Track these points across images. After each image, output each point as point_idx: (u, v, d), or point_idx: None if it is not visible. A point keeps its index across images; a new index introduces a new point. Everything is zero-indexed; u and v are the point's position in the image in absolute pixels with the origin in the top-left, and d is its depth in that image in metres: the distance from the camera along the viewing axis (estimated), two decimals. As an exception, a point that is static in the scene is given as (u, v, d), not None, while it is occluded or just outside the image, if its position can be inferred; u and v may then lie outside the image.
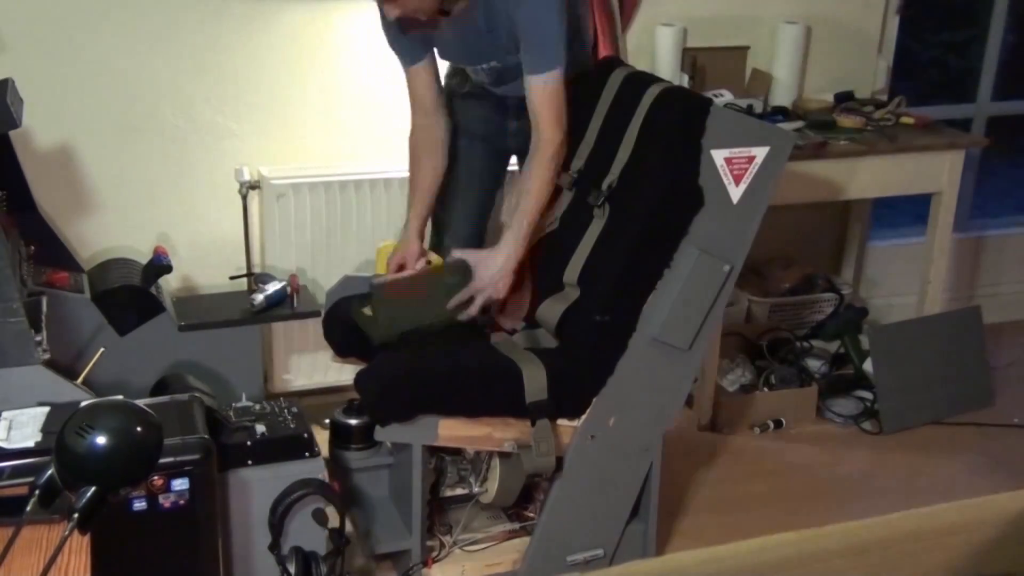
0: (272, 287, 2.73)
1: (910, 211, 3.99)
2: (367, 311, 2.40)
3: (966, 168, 3.41)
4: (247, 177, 2.93)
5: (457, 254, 2.43)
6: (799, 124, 3.18)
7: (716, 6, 3.31)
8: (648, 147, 2.25)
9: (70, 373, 2.17)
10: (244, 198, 2.95)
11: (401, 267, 2.50)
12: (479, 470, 2.39)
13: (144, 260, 2.64)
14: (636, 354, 2.25)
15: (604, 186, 2.27)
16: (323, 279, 2.94)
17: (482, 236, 2.71)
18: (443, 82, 2.58)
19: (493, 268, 2.35)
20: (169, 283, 2.88)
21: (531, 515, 2.46)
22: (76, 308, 2.48)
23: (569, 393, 2.24)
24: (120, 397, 1.32)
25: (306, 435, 2.12)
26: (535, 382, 2.19)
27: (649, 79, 2.37)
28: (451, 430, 2.19)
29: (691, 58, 3.20)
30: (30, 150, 2.74)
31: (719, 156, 2.20)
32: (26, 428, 1.73)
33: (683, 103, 2.24)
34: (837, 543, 1.29)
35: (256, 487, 2.07)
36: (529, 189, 2.34)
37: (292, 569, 2.06)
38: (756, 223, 2.28)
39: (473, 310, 2.36)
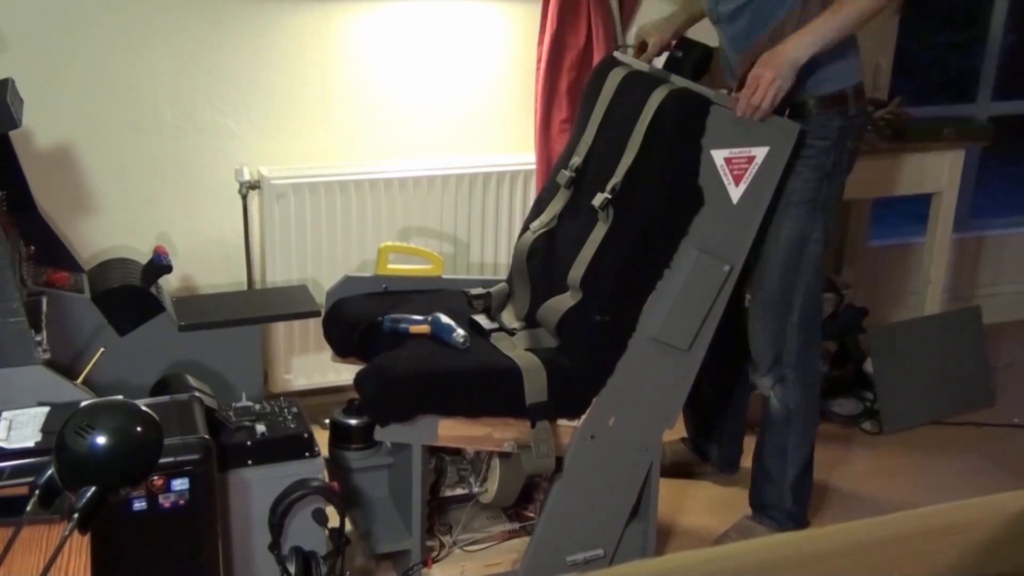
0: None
1: (910, 211, 4.00)
2: None
3: (966, 168, 3.41)
4: (247, 177, 2.94)
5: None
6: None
7: None
8: (651, 149, 2.25)
9: (70, 373, 2.17)
10: (244, 198, 2.95)
11: (643, 45, 2.56)
12: (479, 470, 2.39)
13: (144, 260, 2.64)
14: (636, 354, 2.25)
15: (608, 189, 2.27)
16: (323, 279, 2.94)
17: None
18: None
19: (780, 56, 2.22)
20: (169, 283, 2.88)
21: (531, 515, 2.46)
22: (76, 308, 2.47)
23: (569, 393, 2.24)
24: (120, 397, 1.32)
25: (306, 435, 2.12)
26: (535, 383, 2.19)
27: (650, 80, 2.37)
28: (451, 430, 2.19)
29: (691, 58, 3.19)
30: (30, 150, 2.74)
31: (719, 156, 2.20)
32: (26, 428, 1.73)
33: (683, 104, 2.24)
34: (837, 543, 1.29)
35: (256, 487, 2.06)
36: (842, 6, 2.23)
37: (292, 569, 2.06)
38: (756, 223, 2.28)
39: (762, 103, 2.20)
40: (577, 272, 2.27)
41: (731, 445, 2.95)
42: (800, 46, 2.23)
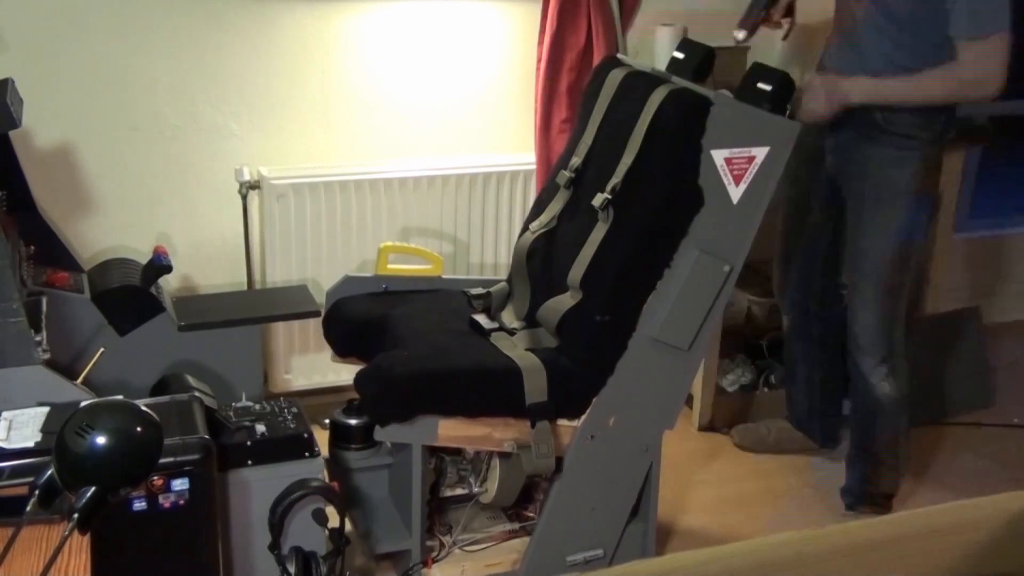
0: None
1: (910, 211, 3.99)
2: None
3: (966, 168, 3.41)
4: (247, 177, 2.94)
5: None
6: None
7: (716, 5, 3.31)
8: (651, 149, 2.25)
9: (70, 373, 2.17)
10: (244, 198, 2.95)
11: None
12: (479, 470, 2.39)
13: (144, 260, 2.64)
14: (636, 354, 2.25)
15: (608, 189, 2.27)
16: (323, 279, 2.94)
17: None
18: None
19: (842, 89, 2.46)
20: (169, 283, 2.88)
21: (531, 515, 2.46)
22: (76, 308, 2.47)
23: (569, 393, 2.24)
24: (120, 397, 1.32)
25: (306, 435, 2.12)
26: (535, 383, 2.19)
27: (651, 80, 2.37)
28: (451, 430, 2.19)
29: (691, 58, 3.19)
30: (30, 150, 2.74)
31: (719, 156, 2.20)
32: (26, 428, 1.73)
33: (683, 104, 2.24)
34: (837, 543, 1.29)
35: (256, 487, 2.06)
36: (916, 80, 2.43)
37: (292, 569, 2.06)
38: (756, 223, 2.28)
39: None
40: (577, 272, 2.27)
41: (833, 421, 3.08)
42: (842, 98, 2.46)
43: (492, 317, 2.49)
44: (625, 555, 2.41)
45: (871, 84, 2.45)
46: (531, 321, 2.41)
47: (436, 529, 2.40)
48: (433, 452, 2.32)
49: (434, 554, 2.35)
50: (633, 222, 2.24)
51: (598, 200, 2.26)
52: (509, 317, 2.48)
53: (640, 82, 2.37)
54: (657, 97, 2.25)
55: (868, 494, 2.78)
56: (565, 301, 2.28)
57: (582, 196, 2.40)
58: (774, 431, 3.12)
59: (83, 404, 1.25)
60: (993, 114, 3.92)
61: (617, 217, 2.26)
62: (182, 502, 1.82)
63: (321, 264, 3.01)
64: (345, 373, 2.56)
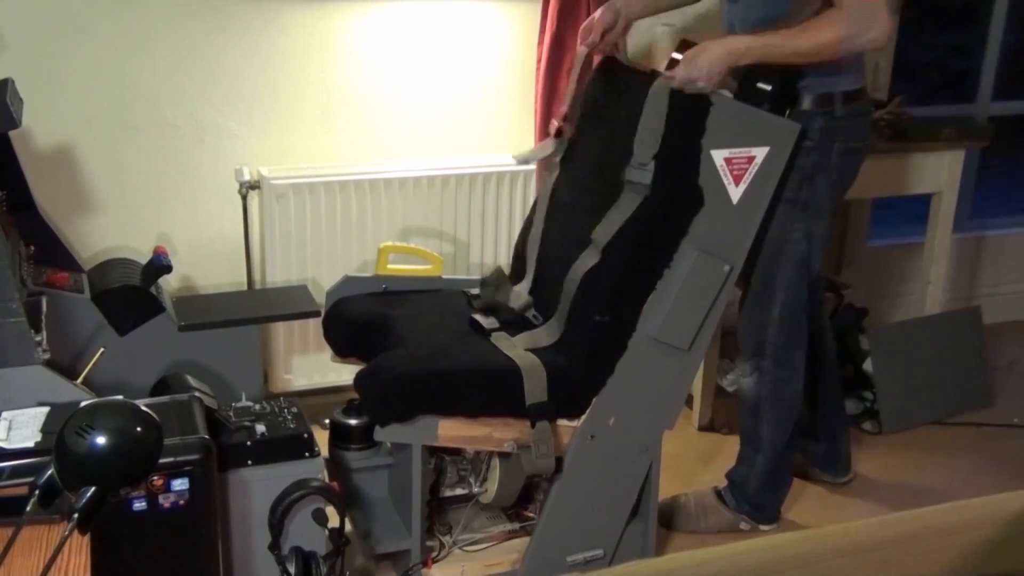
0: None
1: (910, 211, 4.00)
2: None
3: (966, 168, 3.41)
4: (247, 177, 2.94)
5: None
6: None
7: (714, 6, 3.31)
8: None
9: (70, 373, 2.17)
10: (244, 198, 2.96)
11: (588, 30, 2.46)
12: (479, 470, 2.39)
13: (144, 260, 2.64)
14: (636, 354, 2.25)
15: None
16: (323, 279, 2.94)
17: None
18: None
19: (720, 49, 2.19)
20: (169, 283, 2.88)
21: (531, 515, 2.46)
22: (76, 308, 2.47)
23: (569, 393, 2.24)
24: (120, 397, 1.32)
25: (306, 435, 2.12)
26: (535, 383, 2.19)
27: (650, 80, 2.36)
28: (451, 430, 2.19)
29: (691, 58, 3.19)
30: (30, 150, 2.74)
31: (719, 156, 2.20)
32: (26, 428, 1.73)
33: (683, 103, 2.24)
34: (837, 543, 1.29)
35: (256, 487, 2.06)
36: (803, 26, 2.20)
37: (292, 569, 2.06)
38: (756, 223, 2.28)
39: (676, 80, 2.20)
40: (605, 233, 2.22)
41: (834, 443, 2.95)
42: (742, 50, 2.20)
43: (490, 301, 2.48)
44: (625, 555, 2.41)
45: (758, 44, 2.21)
46: (529, 321, 2.41)
47: (436, 529, 2.40)
48: (433, 452, 2.32)
49: (434, 554, 2.35)
50: (633, 222, 2.23)
51: (632, 175, 2.23)
52: (506, 309, 2.46)
53: (640, 83, 2.37)
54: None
55: (727, 478, 2.75)
56: (587, 258, 2.25)
57: (583, 197, 2.40)
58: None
59: (83, 404, 1.26)
60: (993, 114, 3.93)
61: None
62: (182, 502, 1.82)
63: (321, 264, 3.01)
64: (345, 373, 2.56)
